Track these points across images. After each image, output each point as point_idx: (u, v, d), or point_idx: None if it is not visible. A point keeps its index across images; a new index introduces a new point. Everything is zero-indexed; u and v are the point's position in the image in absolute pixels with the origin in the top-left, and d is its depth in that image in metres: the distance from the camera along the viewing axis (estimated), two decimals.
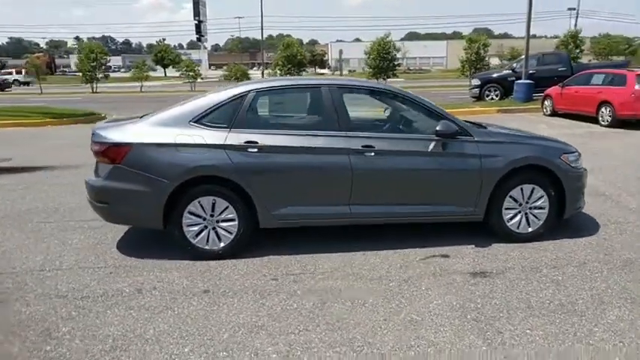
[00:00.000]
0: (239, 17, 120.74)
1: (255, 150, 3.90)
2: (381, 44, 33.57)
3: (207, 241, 3.99)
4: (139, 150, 3.86)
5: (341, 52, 34.49)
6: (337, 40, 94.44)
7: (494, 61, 32.01)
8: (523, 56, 16.09)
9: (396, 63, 34.07)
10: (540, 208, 4.27)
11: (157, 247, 4.21)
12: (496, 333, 2.87)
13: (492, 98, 17.10)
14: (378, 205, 4.10)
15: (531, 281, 3.55)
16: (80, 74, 33.41)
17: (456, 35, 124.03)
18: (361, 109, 4.74)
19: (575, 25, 38.54)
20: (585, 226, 4.67)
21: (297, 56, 32.10)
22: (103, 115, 15.52)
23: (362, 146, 3.99)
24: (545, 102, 13.78)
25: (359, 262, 3.93)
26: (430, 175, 4.08)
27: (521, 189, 4.21)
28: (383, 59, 33.58)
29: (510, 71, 17.25)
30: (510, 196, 4.21)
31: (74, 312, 3.17)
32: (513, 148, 4.19)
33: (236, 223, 3.98)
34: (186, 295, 3.40)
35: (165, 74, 63.25)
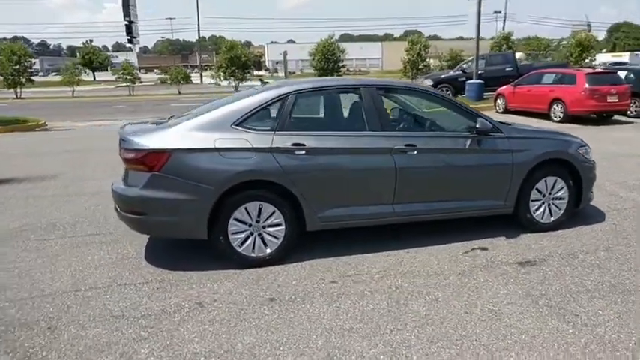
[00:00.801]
0: (171, 18, 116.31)
1: (303, 152, 3.84)
2: (325, 46, 33.94)
3: (254, 247, 3.87)
4: (181, 156, 3.67)
5: (285, 53, 34.32)
6: (272, 42, 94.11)
7: (434, 63, 33.38)
8: (472, 57, 16.97)
9: (340, 64, 34.58)
10: (561, 198, 4.56)
11: (187, 258, 4.03)
12: (573, 316, 3.04)
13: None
14: (420, 202, 4.18)
15: (575, 267, 3.79)
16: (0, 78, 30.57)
17: (388, 37, 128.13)
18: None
19: (504, 27, 41.00)
20: (591, 215, 5.05)
21: (242, 58, 31.61)
22: (42, 122, 14.40)
23: (405, 145, 4.05)
24: (498, 100, 14.65)
25: (407, 260, 3.99)
26: (468, 171, 4.23)
27: (545, 181, 4.48)
28: (327, 60, 33.95)
29: (460, 72, 18.17)
30: (536, 189, 4.47)
31: (143, 332, 2.95)
32: (539, 143, 4.45)
33: (283, 227, 3.89)
34: (253, 305, 3.28)
35: (94, 78, 59.68)
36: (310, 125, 4.32)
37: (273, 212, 3.85)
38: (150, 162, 3.66)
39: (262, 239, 3.89)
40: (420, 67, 34.30)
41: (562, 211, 4.59)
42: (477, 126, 4.16)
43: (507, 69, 17.23)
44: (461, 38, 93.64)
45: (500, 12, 46.04)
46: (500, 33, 29.99)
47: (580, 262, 3.88)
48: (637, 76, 12.60)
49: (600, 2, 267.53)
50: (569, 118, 11.74)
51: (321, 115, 4.60)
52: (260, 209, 3.82)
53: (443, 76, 19.01)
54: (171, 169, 3.65)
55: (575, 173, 4.55)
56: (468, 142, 4.23)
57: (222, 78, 32.59)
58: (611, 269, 3.72)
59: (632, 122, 12.35)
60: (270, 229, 3.89)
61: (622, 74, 12.66)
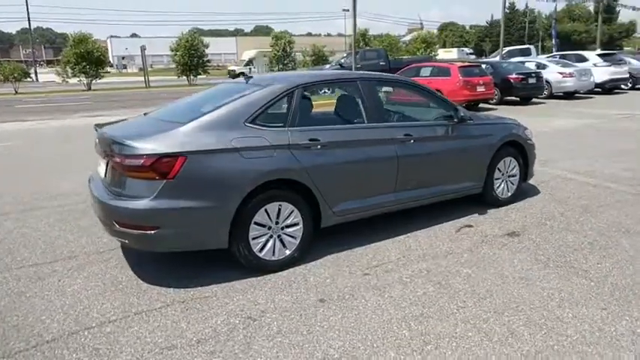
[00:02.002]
0: None
1: (318, 147, 3.75)
2: (188, 40, 32.46)
3: (274, 251, 3.67)
4: (198, 159, 3.30)
5: (143, 48, 31.81)
6: (112, 36, 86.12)
7: (299, 58, 34.30)
8: (349, 52, 17.92)
9: (205, 59, 33.42)
10: (514, 175, 5.23)
11: (189, 271, 3.67)
12: (584, 272, 3.56)
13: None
14: (416, 189, 4.40)
15: (552, 232, 4.40)
16: None
17: (239, 32, 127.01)
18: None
19: (355, 25, 43.70)
20: (527, 189, 5.85)
21: (94, 52, 28.41)
22: None
23: (403, 135, 4.22)
24: None
25: (414, 245, 4.18)
26: (454, 156, 4.59)
27: (504, 161, 5.08)
28: (192, 55, 32.54)
29: (339, 66, 19.04)
30: (498, 168, 5.04)
31: (216, 358, 2.62)
32: (499, 128, 5.03)
33: (300, 227, 3.76)
34: (307, 309, 3.13)
35: None
36: (319, 119, 4.23)
37: (292, 211, 3.70)
38: (163, 168, 3.21)
39: (282, 241, 3.70)
40: (285, 62, 34.99)
41: (515, 187, 5.26)
42: (461, 114, 4.53)
43: (381, 63, 18.63)
44: (309, 34, 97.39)
45: (348, 10, 49.19)
46: (359, 30, 32.07)
47: (551, 228, 4.52)
48: (495, 69, 14.78)
49: (432, 4, 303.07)
50: None
51: (323, 108, 4.52)
52: (279, 210, 3.64)
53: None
54: (188, 173, 3.26)
55: (524, 152, 5.24)
56: (451, 130, 4.58)
57: (70, 75, 28.95)
58: (580, 230, 4.42)
59: (496, 108, 14.45)
60: (289, 230, 3.72)
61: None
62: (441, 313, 3.03)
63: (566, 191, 5.71)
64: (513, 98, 15.11)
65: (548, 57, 19.12)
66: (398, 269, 3.70)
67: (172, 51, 32.79)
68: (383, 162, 4.10)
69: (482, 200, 5.09)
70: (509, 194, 5.21)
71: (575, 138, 9.48)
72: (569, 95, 16.29)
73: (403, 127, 4.29)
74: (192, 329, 2.91)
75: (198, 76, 33.19)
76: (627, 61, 17.73)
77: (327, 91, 11.01)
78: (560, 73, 15.56)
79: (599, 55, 17.94)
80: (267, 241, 3.63)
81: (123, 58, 76.18)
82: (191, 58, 32.17)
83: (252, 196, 3.47)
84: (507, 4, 67.95)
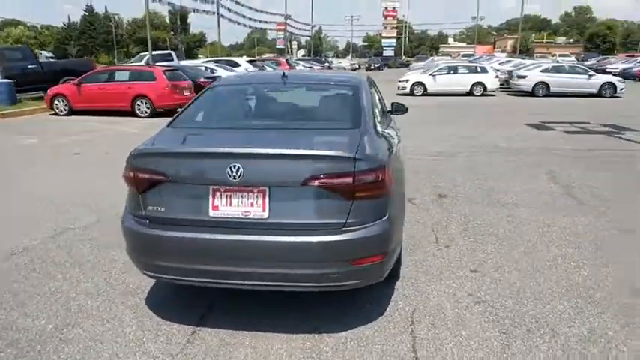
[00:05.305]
0: None
1: None
2: None
3: None
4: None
5: None
6: None
7: None
8: None
9: None
10: None
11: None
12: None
13: None
14: None
15: None
16: None
17: None
18: None
19: None
20: None
21: None
22: None
23: None
24: (56, 101, 12.67)
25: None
26: None
27: None
28: None
29: None
30: None
31: None
32: None
33: None
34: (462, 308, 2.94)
35: None
36: None
37: None
38: (387, 181, 2.51)
39: None
40: None
41: None
42: None
43: (30, 65, 14.63)
44: None
45: None
46: None
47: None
48: (185, 72, 14.49)
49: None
50: (156, 113, 12.25)
51: None
52: None
53: None
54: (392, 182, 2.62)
55: None
56: None
57: None
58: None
59: None
60: None
61: None
62: (544, 243, 3.50)
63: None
64: None
65: (204, 62, 20.22)
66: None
67: None
68: None
69: None
70: None
71: None
72: None
73: None
74: None
75: None
76: (265, 66, 21.28)
77: None
78: None
79: (248, 61, 20.55)
80: None
81: None
82: None
83: None
84: (85, 7, 65.44)
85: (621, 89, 18.27)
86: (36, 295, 3.12)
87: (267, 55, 48.82)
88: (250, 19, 54.32)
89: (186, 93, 12.91)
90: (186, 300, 3.04)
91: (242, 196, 2.40)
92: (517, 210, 4.79)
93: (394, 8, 60.62)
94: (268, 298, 2.97)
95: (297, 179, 2.35)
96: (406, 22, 77.70)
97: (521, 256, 3.70)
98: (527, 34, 72.61)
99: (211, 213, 2.42)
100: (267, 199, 2.37)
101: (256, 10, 55.33)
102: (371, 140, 2.68)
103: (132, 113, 12.39)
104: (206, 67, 17.30)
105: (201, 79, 14.79)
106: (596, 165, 6.75)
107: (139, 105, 12.32)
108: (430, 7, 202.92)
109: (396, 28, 65.09)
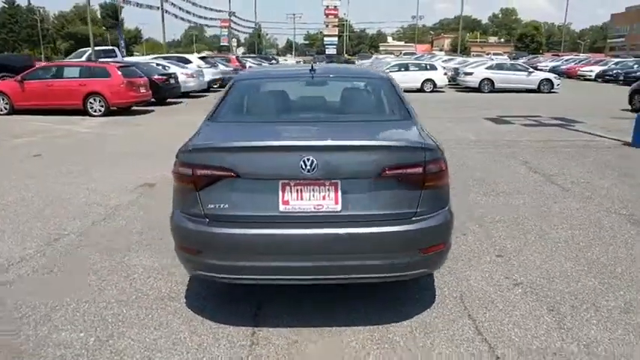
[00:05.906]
0: None
1: None
2: None
3: None
4: None
5: None
6: None
7: None
8: None
9: None
10: None
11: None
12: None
13: None
14: None
15: None
16: None
17: None
18: None
19: None
20: None
21: None
22: None
23: None
24: None
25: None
26: None
27: None
28: None
29: None
30: None
31: None
32: None
33: None
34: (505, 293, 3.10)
35: None
36: None
37: None
38: (447, 170, 2.61)
39: None
40: None
41: None
42: None
43: None
44: None
45: None
46: None
47: None
48: (139, 69, 13.74)
49: None
50: (110, 111, 11.55)
51: None
52: None
53: None
54: None
55: None
56: None
57: None
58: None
59: (154, 109, 13.50)
60: None
61: None
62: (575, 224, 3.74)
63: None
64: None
65: (153, 58, 19.30)
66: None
67: None
68: None
69: None
70: None
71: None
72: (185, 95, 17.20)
73: None
74: None
75: None
76: (217, 63, 20.63)
77: None
78: (185, 74, 16.38)
79: (199, 57, 19.83)
80: None
81: None
82: None
83: None
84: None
85: (558, 85, 19.64)
86: (59, 307, 2.87)
87: (209, 53, 47.54)
88: (194, 15, 52.50)
89: (142, 90, 12.32)
90: (230, 301, 2.92)
91: (313, 190, 2.34)
92: (512, 198, 5.04)
93: (335, 7, 61.20)
94: (314, 295, 2.92)
95: (370, 170, 2.33)
96: (346, 21, 78.67)
97: (536, 239, 3.90)
98: (463, 34, 76.40)
99: (281, 208, 2.34)
100: (339, 192, 2.34)
101: (201, 7, 53.48)
102: (425, 131, 2.73)
103: (84, 112, 11.64)
104: (157, 64, 16.56)
105: (156, 76, 14.17)
106: (564, 154, 7.23)
107: (91, 103, 11.58)
108: (368, 7, 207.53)
109: (337, 26, 65.84)
